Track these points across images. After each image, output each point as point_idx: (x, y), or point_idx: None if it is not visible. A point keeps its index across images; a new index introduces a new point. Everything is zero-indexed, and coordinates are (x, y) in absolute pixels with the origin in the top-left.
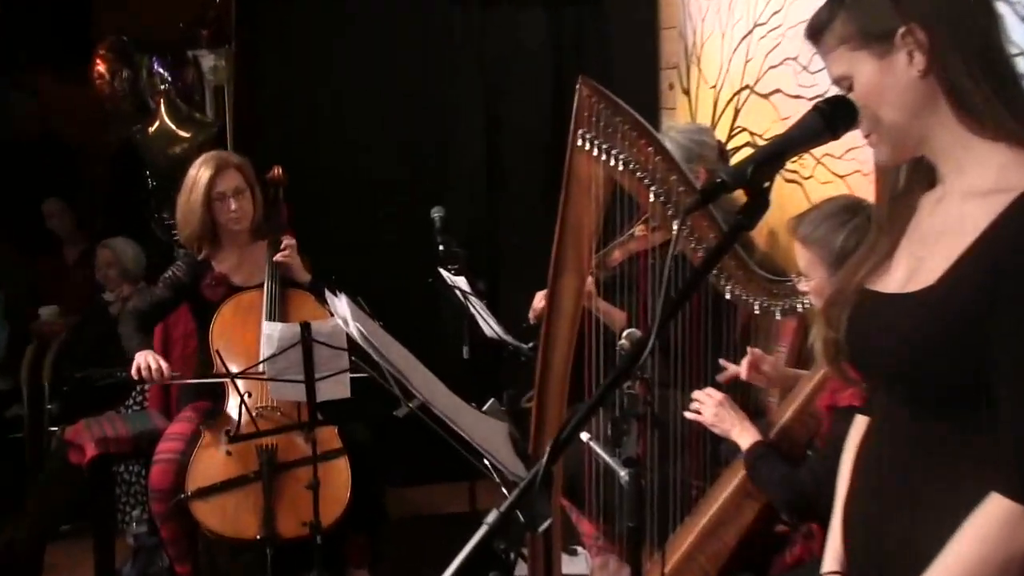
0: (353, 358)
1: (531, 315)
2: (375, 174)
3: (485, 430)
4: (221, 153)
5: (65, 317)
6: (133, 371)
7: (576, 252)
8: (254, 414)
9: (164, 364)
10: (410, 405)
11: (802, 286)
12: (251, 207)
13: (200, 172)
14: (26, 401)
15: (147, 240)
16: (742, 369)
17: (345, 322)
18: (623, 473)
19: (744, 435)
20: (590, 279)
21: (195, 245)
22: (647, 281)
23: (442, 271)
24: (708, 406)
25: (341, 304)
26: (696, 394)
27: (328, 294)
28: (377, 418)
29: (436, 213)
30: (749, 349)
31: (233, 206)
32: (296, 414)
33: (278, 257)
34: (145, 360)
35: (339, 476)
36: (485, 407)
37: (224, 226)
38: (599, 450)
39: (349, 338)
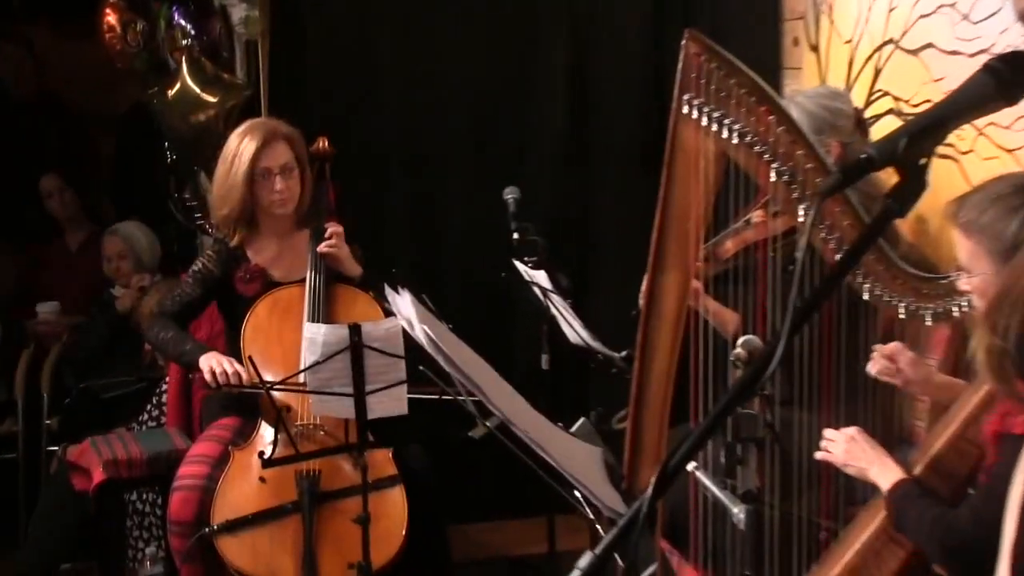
0: (420, 367)
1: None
2: (438, 147)
3: (577, 456)
4: (269, 121)
5: (67, 316)
6: (207, 376)
7: (680, 242)
8: (293, 433)
9: (241, 368)
10: (488, 425)
11: (961, 284)
12: (299, 188)
13: (244, 143)
14: (21, 415)
15: (163, 225)
16: (872, 363)
17: (410, 324)
18: (737, 510)
19: (885, 473)
20: (697, 275)
21: (230, 230)
22: (766, 277)
23: (517, 264)
24: (838, 444)
25: (404, 302)
26: (827, 433)
27: (388, 291)
28: (439, 440)
29: (510, 195)
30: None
31: (279, 185)
32: (343, 434)
33: (322, 247)
34: (219, 364)
35: (393, 509)
36: (575, 427)
37: (266, 209)
38: (708, 482)
39: (407, 343)
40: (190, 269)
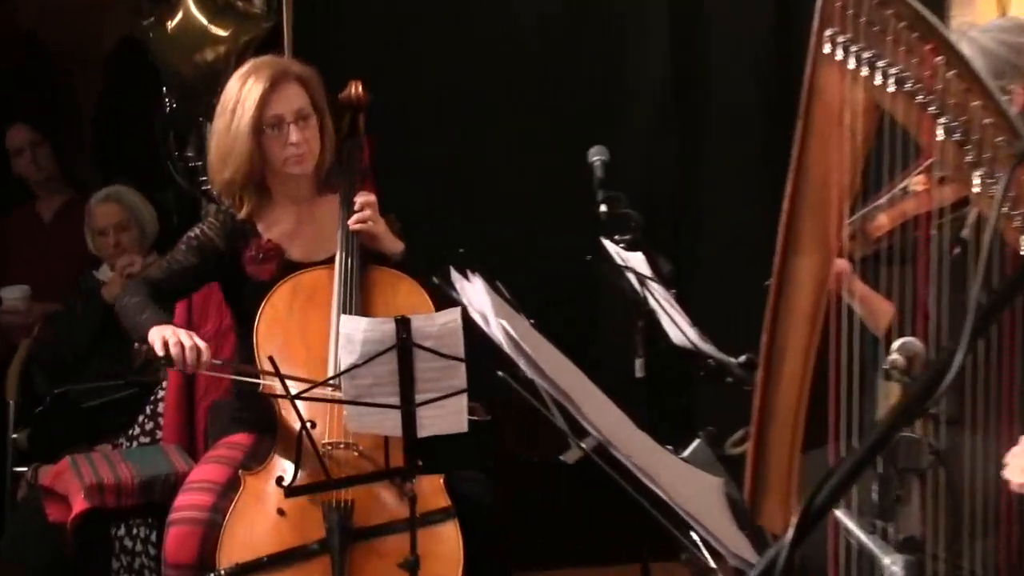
0: (500, 373)
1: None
2: (504, 96)
3: (693, 487)
4: (277, 59)
5: (39, 303)
6: (157, 345)
7: (819, 216)
8: (321, 453)
9: (203, 344)
10: (583, 446)
11: None
12: (318, 141)
13: (248, 87)
14: None
15: (159, 191)
16: None
17: (483, 318)
18: (891, 562)
19: None
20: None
21: (234, 198)
22: (927, 261)
23: (606, 243)
24: (1017, 465)
25: (476, 290)
26: (1013, 453)
27: (455, 275)
28: (503, 464)
29: (597, 156)
30: None
31: (294, 137)
32: (382, 456)
33: (353, 223)
34: (174, 333)
35: (446, 551)
36: (689, 451)
37: (279, 170)
38: (852, 525)
39: (470, 341)
40: (185, 236)
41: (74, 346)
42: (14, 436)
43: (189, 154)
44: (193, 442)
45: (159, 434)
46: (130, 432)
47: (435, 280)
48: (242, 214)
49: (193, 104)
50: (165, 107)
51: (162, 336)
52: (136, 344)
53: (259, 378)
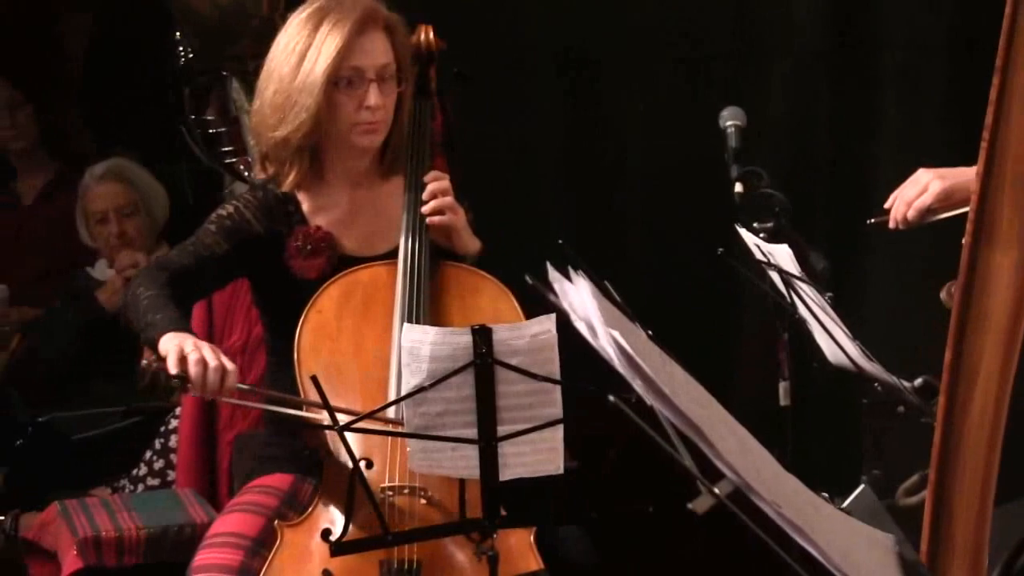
0: (611, 398)
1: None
2: (608, 43)
3: (857, 546)
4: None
5: (17, 308)
6: (171, 359)
7: (1021, 198)
8: (378, 500)
9: (231, 364)
10: (717, 492)
11: None
12: (393, 107)
13: (327, 27)
14: None
15: (170, 164)
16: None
17: (590, 329)
18: None
19: None
20: None
21: (282, 164)
22: None
23: (742, 233)
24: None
25: (580, 293)
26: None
27: (553, 275)
28: (609, 516)
29: (730, 121)
30: None
31: (372, 99)
32: (455, 503)
33: (429, 213)
34: (195, 347)
35: None
36: (851, 499)
37: (341, 136)
38: None
39: (567, 357)
40: (214, 214)
41: (61, 362)
42: None
43: (209, 118)
44: (213, 485)
45: (171, 475)
46: (134, 472)
47: (528, 279)
48: (286, 185)
49: (214, 54)
50: (178, 57)
51: (179, 348)
52: (144, 358)
53: (300, 408)
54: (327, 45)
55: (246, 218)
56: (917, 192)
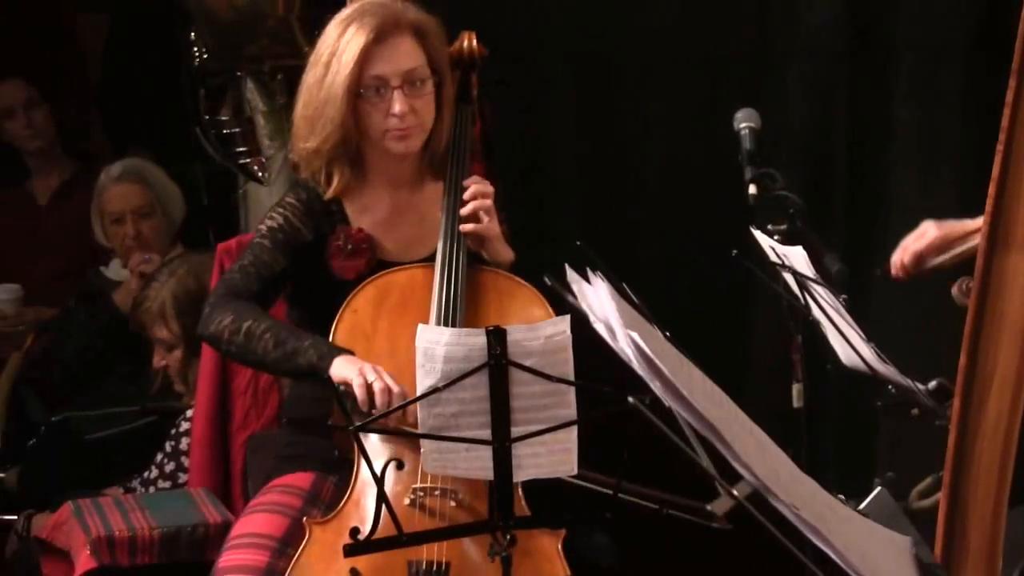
0: (631, 399)
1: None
2: (632, 48)
3: (875, 548)
4: (387, 1)
5: (32, 308)
6: (358, 385)
7: None
8: (409, 500)
9: (396, 387)
10: (735, 494)
11: None
12: (431, 112)
13: (348, 35)
14: None
15: (184, 165)
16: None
17: (609, 330)
18: None
19: None
20: None
21: (319, 174)
22: None
23: (757, 235)
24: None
25: (598, 295)
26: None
27: (571, 276)
28: (626, 518)
29: (745, 123)
30: None
31: (398, 106)
32: (484, 502)
33: (467, 224)
34: (378, 376)
35: None
36: (867, 502)
37: (378, 143)
38: None
39: (582, 354)
40: (261, 226)
41: (75, 362)
42: (1, 475)
43: (223, 118)
44: (227, 486)
45: (182, 477)
46: (146, 473)
47: (547, 280)
48: (330, 192)
49: (230, 54)
50: (193, 58)
51: (362, 375)
52: (155, 360)
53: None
54: (346, 55)
55: (296, 227)
56: (914, 238)
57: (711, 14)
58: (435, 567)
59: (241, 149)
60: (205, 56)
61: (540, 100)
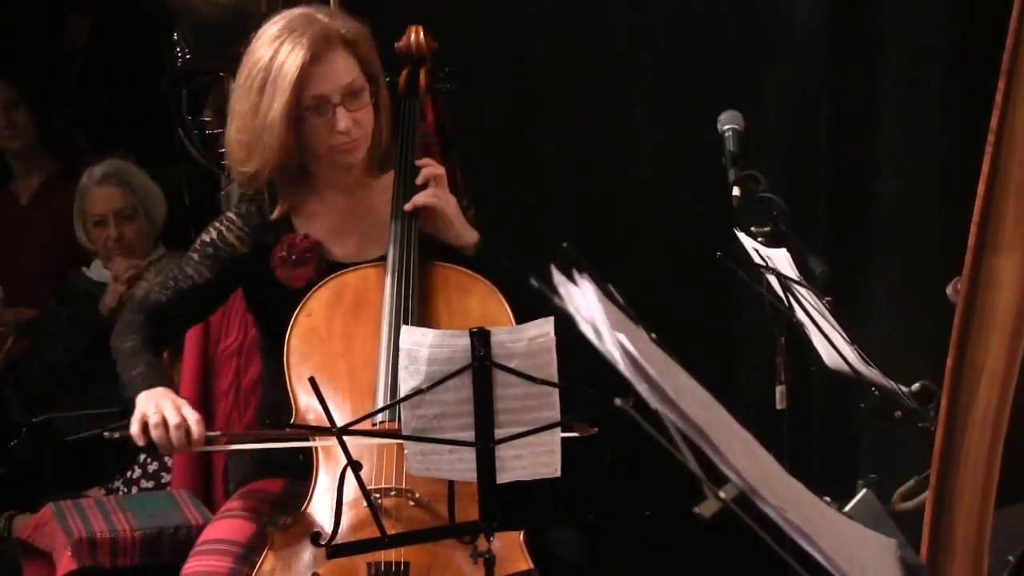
0: (618, 401)
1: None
2: (608, 45)
3: (861, 550)
4: (314, 15)
5: (13, 309)
6: (133, 430)
7: None
8: (369, 502)
9: (193, 416)
10: (722, 496)
11: None
12: (371, 119)
13: (281, 58)
14: None
15: (167, 167)
16: None
17: (595, 331)
18: None
19: None
20: None
21: (262, 194)
22: None
23: (740, 237)
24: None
25: (584, 296)
26: None
27: (558, 277)
28: (610, 519)
29: (728, 125)
30: None
31: (343, 123)
32: (444, 506)
33: (417, 199)
34: (156, 409)
35: None
36: (853, 503)
37: (322, 158)
38: None
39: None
40: (197, 240)
41: (57, 364)
42: None
43: (206, 118)
44: (209, 488)
45: (166, 477)
46: (129, 474)
47: (533, 281)
48: (276, 213)
49: (213, 53)
50: (176, 57)
51: (141, 415)
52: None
53: (278, 438)
54: (282, 80)
55: (229, 242)
56: None
57: (695, 15)
58: (394, 567)
59: (223, 150)
60: (188, 56)
61: (524, 102)
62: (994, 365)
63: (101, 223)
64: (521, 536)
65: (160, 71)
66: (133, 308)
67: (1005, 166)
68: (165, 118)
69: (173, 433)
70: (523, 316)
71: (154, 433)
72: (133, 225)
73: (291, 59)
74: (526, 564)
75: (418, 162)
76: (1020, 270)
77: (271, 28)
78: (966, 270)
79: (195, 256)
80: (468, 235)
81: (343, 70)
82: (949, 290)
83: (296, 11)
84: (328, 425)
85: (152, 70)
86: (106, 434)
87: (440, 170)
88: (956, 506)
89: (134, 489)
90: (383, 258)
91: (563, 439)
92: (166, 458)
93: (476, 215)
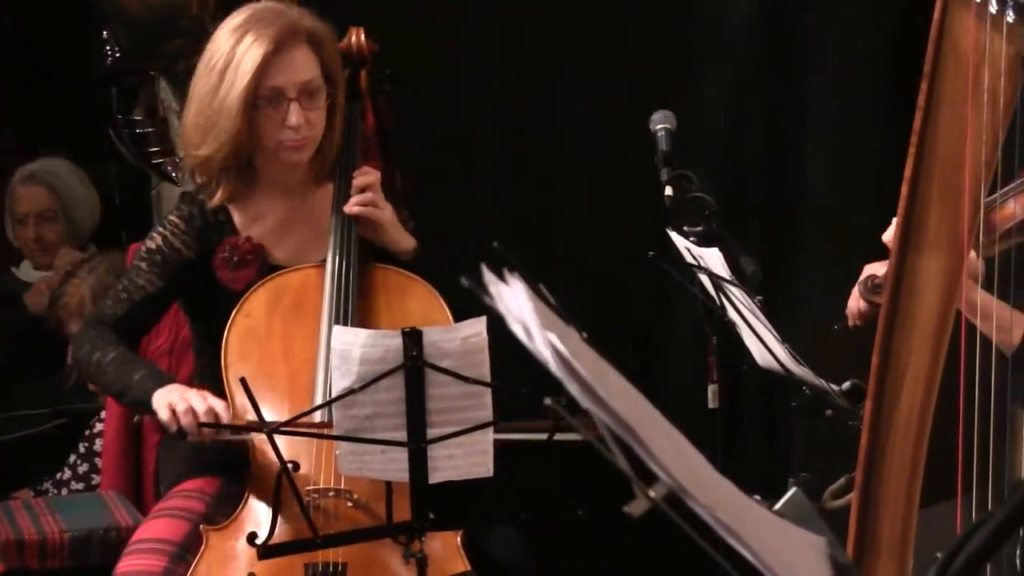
0: (548, 401)
1: (852, 303)
2: (544, 45)
3: (790, 548)
4: (284, 9)
5: None
6: (164, 416)
7: (948, 205)
8: (305, 503)
9: (220, 404)
10: (651, 495)
11: None
12: (323, 122)
13: (245, 45)
14: None
15: (98, 165)
16: None
17: (525, 331)
18: None
19: None
20: (973, 256)
21: (211, 180)
22: None
23: (673, 236)
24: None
25: (515, 295)
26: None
27: (488, 276)
28: (542, 518)
29: (661, 125)
30: None
31: (294, 119)
32: (381, 506)
33: (351, 206)
34: (182, 398)
35: None
36: (783, 501)
37: (271, 152)
38: None
39: (499, 358)
40: (142, 247)
41: None
42: None
43: (136, 118)
44: (139, 489)
45: (96, 479)
46: (59, 476)
47: (463, 280)
48: (215, 200)
49: (143, 52)
50: (106, 56)
51: (168, 404)
52: (68, 359)
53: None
54: (243, 65)
55: (175, 247)
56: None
57: (628, 16)
58: (332, 568)
59: (154, 149)
60: (118, 55)
61: (456, 102)
62: (918, 366)
63: (21, 222)
64: (459, 537)
65: (91, 70)
66: (94, 323)
67: (928, 168)
68: (96, 117)
69: (204, 419)
70: (460, 317)
71: (183, 420)
72: (52, 227)
73: (255, 47)
74: (464, 565)
75: (354, 172)
76: (942, 272)
77: (237, 17)
78: (890, 270)
79: (143, 265)
80: (404, 241)
81: (304, 66)
82: (859, 289)
83: (265, 4)
84: (260, 423)
85: (83, 68)
86: (136, 418)
87: (374, 177)
88: (881, 505)
89: (63, 491)
90: (322, 263)
91: (563, 440)
92: (96, 459)
93: (410, 215)
